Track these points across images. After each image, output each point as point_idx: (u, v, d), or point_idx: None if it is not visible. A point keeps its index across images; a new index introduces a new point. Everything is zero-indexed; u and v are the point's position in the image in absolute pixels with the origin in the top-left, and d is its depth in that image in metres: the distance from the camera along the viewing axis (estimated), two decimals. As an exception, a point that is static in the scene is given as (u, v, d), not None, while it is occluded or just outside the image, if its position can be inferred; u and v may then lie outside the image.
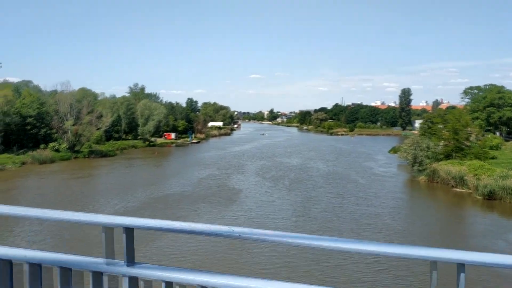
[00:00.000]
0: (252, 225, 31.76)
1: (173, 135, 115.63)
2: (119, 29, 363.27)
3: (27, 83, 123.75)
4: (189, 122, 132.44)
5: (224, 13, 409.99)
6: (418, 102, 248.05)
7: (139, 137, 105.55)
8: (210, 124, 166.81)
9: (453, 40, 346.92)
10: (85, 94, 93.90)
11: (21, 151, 69.73)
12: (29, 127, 76.09)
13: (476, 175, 44.65)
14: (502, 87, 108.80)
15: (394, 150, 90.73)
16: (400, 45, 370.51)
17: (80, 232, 27.52)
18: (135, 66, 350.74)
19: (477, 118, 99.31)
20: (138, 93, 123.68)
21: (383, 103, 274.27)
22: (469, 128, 59.45)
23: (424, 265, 2.41)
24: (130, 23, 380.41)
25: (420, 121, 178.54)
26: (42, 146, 74.54)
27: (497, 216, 37.05)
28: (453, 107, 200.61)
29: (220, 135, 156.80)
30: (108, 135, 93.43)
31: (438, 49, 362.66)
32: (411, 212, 37.91)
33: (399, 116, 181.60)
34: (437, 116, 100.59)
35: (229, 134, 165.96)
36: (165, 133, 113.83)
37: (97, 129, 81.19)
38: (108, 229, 2.53)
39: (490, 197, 40.82)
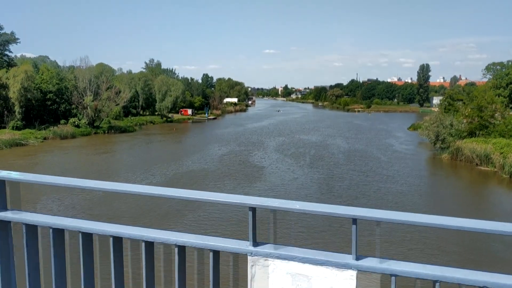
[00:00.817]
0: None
1: (189, 111, 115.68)
2: (132, 4, 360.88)
3: (43, 58, 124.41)
4: (205, 98, 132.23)
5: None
6: (435, 78, 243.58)
7: (156, 113, 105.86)
8: (225, 100, 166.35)
9: (472, 15, 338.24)
10: (103, 70, 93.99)
11: (43, 126, 70.48)
12: (49, 102, 76.72)
13: (502, 153, 43.98)
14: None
15: (413, 127, 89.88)
16: (418, 20, 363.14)
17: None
18: (148, 42, 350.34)
19: (499, 95, 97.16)
20: (155, 69, 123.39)
21: (399, 79, 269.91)
22: (494, 105, 58.24)
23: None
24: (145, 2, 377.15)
25: (439, 97, 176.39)
26: (62, 121, 75.23)
27: (525, 195, 36.63)
28: (472, 84, 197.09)
29: (236, 111, 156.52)
30: (126, 111, 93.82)
31: (456, 24, 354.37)
32: (437, 190, 37.55)
33: (416, 92, 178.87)
34: (460, 93, 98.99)
35: (244, 111, 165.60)
36: (181, 109, 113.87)
37: (116, 104, 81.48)
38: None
39: (517, 176, 40.31)
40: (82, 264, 2.76)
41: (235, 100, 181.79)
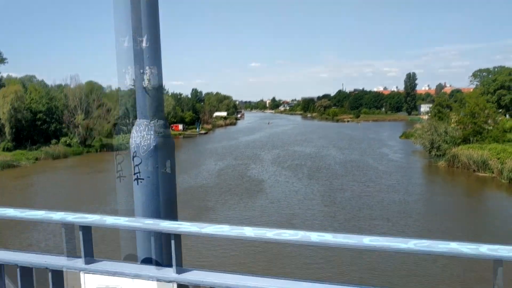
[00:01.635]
0: (282, 215, 31.58)
1: (180, 127, 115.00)
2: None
3: (30, 78, 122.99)
4: (195, 113, 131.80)
5: (220, 1, 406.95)
6: (421, 86, 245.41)
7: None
8: (215, 114, 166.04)
9: (454, 23, 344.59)
10: (92, 88, 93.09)
11: (34, 147, 69.36)
12: (39, 122, 75.59)
13: (499, 159, 44.33)
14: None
15: (405, 136, 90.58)
16: (400, 30, 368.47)
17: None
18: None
19: (487, 101, 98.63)
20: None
21: (385, 89, 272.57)
22: (486, 111, 58.94)
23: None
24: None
25: (426, 105, 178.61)
26: (53, 141, 74.08)
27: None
28: (458, 91, 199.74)
29: (226, 125, 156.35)
30: (118, 128, 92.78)
31: (438, 33, 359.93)
32: (439, 198, 37.57)
33: (404, 101, 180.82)
34: (447, 100, 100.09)
35: (234, 124, 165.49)
36: (172, 125, 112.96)
37: (107, 122, 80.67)
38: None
39: (516, 180, 40.60)
40: None
41: (224, 114, 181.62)
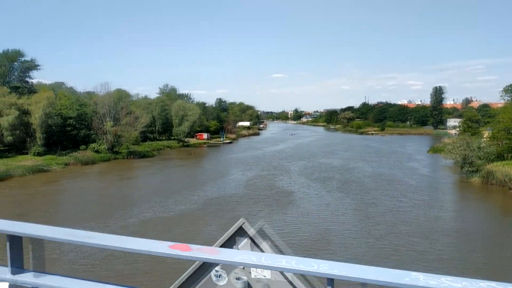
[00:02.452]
0: (317, 230, 31.04)
1: (205, 136, 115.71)
2: (140, 31, 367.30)
3: (60, 85, 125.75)
4: (220, 122, 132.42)
5: (243, 13, 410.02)
6: (446, 100, 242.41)
7: (172, 138, 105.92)
8: (238, 124, 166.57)
9: (480, 37, 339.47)
10: (121, 95, 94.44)
11: (63, 152, 70.46)
12: (69, 128, 76.90)
13: (537, 177, 42.92)
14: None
15: (433, 150, 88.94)
16: (425, 43, 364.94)
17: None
18: (158, 67, 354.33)
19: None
20: (171, 94, 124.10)
21: (410, 102, 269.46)
22: (521, 127, 57.25)
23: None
24: (151, 25, 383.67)
25: (453, 119, 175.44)
26: (82, 147, 75.22)
27: None
28: (485, 105, 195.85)
29: (249, 135, 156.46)
30: (143, 136, 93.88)
31: (464, 47, 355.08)
32: (477, 216, 36.50)
33: (430, 115, 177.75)
34: (477, 115, 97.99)
35: (258, 134, 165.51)
36: (197, 134, 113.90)
37: (135, 130, 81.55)
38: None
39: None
40: None
41: (247, 123, 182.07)
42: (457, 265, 24.05)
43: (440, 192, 45.75)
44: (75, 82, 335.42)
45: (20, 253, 2.47)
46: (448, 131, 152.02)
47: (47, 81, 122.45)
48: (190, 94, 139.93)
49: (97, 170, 63.20)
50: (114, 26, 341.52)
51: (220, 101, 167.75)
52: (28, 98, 75.05)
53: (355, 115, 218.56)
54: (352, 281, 1.95)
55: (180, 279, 8.25)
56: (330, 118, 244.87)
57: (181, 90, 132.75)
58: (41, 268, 2.47)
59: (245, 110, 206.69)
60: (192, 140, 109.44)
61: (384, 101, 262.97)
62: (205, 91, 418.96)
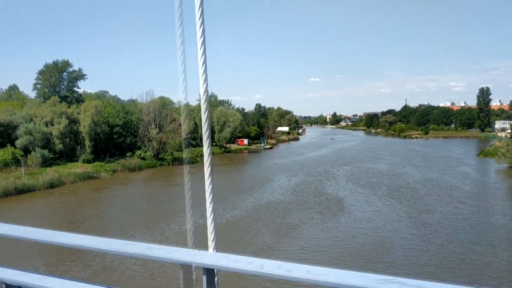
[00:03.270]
0: (373, 238, 30.06)
1: (245, 141, 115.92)
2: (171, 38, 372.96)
3: (104, 93, 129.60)
4: (260, 128, 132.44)
5: (274, 16, 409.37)
6: (491, 102, 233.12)
7: (214, 144, 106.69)
8: (277, 129, 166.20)
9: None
10: (164, 103, 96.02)
11: (111, 159, 72.18)
12: (116, 136, 78.74)
13: None
14: None
15: (484, 154, 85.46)
16: (467, 43, 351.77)
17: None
18: (194, 74, 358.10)
19: None
20: (211, 101, 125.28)
21: (453, 104, 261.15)
22: None
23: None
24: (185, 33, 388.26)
25: (502, 121, 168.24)
26: (128, 154, 76.78)
27: None
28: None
29: (289, 140, 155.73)
30: (186, 142, 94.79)
31: (509, 45, 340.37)
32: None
33: (477, 117, 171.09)
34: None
35: (297, 139, 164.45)
36: (237, 139, 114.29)
37: (179, 136, 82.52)
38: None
39: None
40: None
41: (286, 129, 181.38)
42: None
43: (499, 198, 43.54)
44: (116, 90, 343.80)
45: None
46: (497, 133, 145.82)
47: (92, 90, 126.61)
48: (230, 100, 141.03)
49: (144, 176, 64.26)
50: (153, 37, 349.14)
51: (259, 107, 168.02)
52: (77, 107, 77.55)
53: (397, 118, 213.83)
54: None
55: None
56: (370, 121, 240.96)
57: (219, 97, 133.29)
58: None
59: (284, 115, 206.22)
60: (233, 146, 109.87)
61: (425, 103, 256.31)
62: (240, 97, 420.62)
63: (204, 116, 2.71)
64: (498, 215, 36.12)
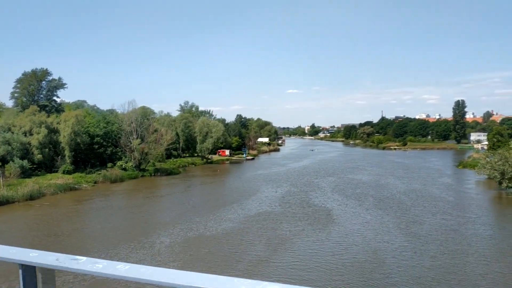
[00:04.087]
0: (363, 249, 29.93)
1: (227, 152, 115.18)
2: (153, 49, 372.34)
3: (82, 103, 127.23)
4: (241, 139, 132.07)
5: (254, 27, 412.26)
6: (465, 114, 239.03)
7: (195, 154, 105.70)
8: (258, 140, 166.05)
9: (495, 50, 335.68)
10: (145, 113, 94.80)
11: (92, 170, 70.48)
12: (96, 146, 77.00)
13: None
14: None
15: (463, 165, 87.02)
16: (441, 57, 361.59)
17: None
18: (173, 84, 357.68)
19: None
20: (193, 111, 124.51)
21: (428, 116, 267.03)
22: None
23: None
24: (167, 46, 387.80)
25: (477, 133, 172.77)
26: (109, 165, 75.17)
27: None
28: (509, 119, 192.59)
29: (270, 151, 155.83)
30: (168, 153, 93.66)
31: (479, 60, 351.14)
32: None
33: (453, 129, 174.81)
34: (507, 129, 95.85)
35: (278, 150, 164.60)
36: (219, 150, 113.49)
37: (161, 147, 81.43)
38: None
39: None
40: None
41: (266, 139, 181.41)
42: None
43: (484, 209, 44.16)
44: (95, 100, 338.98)
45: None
46: (474, 145, 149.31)
47: (69, 99, 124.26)
48: (211, 111, 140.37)
49: (126, 188, 62.94)
50: (132, 49, 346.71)
51: (240, 117, 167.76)
52: (56, 116, 75.72)
53: (374, 130, 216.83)
54: None
55: None
56: (348, 133, 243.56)
57: (200, 107, 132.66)
58: None
59: (263, 126, 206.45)
60: (215, 157, 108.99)
61: (401, 115, 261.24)
62: (220, 108, 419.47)
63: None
64: (485, 226, 36.55)
